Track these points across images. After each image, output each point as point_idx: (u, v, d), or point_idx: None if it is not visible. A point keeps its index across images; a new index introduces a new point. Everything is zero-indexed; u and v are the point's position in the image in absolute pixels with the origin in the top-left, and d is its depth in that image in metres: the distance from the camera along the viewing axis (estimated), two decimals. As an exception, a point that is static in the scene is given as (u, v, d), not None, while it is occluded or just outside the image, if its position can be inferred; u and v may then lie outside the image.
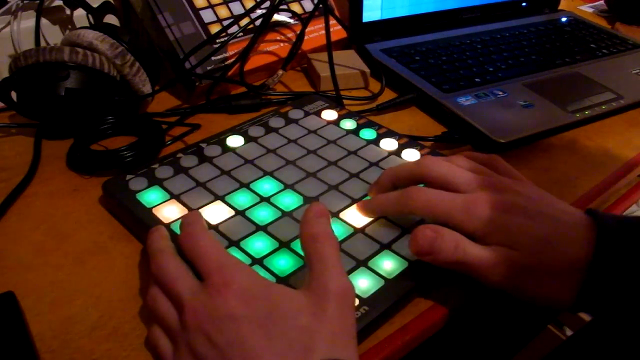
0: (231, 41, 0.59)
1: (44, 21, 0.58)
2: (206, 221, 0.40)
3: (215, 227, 0.40)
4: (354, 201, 0.43)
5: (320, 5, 0.64)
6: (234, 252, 0.38)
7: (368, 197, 0.43)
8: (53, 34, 0.59)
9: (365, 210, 0.41)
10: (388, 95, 0.62)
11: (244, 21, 0.60)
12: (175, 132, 0.53)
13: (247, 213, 0.41)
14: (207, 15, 0.60)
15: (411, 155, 0.48)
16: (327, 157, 0.47)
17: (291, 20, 0.65)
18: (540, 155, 0.54)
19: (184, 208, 0.41)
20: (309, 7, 0.66)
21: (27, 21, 0.57)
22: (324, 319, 0.29)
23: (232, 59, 0.59)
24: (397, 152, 0.49)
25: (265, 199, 0.43)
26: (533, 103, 0.59)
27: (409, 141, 0.50)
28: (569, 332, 0.83)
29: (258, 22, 0.60)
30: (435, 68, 0.65)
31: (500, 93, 0.61)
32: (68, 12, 0.60)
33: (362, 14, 0.69)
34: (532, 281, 0.34)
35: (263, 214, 0.41)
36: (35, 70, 0.48)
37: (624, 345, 0.37)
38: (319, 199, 0.43)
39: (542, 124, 0.56)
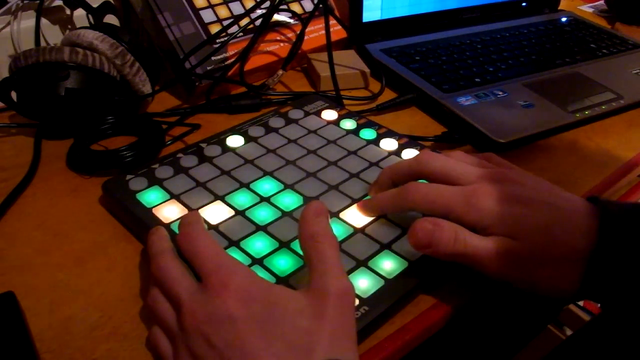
0: (231, 41, 0.59)
1: (44, 21, 0.58)
2: (206, 221, 0.40)
3: (215, 227, 0.40)
4: (354, 201, 0.43)
5: (320, 5, 0.64)
6: (234, 252, 0.38)
7: (368, 197, 0.43)
8: (53, 34, 0.59)
9: (365, 209, 0.41)
10: (388, 95, 0.62)
11: (244, 21, 0.60)
12: (175, 132, 0.53)
13: (247, 213, 0.41)
14: (207, 15, 0.60)
15: (411, 155, 0.48)
16: (327, 157, 0.47)
17: (291, 20, 0.65)
18: (540, 155, 0.54)
19: (184, 208, 0.41)
20: (309, 7, 0.66)
21: (27, 21, 0.57)
22: (323, 319, 0.29)
23: (232, 59, 0.59)
24: (397, 152, 0.49)
25: (265, 199, 0.43)
26: (533, 103, 0.59)
27: (409, 141, 0.50)
28: (569, 332, 0.82)
29: (258, 22, 0.61)
30: (435, 68, 0.65)
31: (500, 93, 0.61)
32: (68, 12, 0.60)
33: (362, 14, 0.69)
34: (534, 270, 0.34)
35: (263, 214, 0.41)
36: (35, 70, 0.48)
37: (624, 345, 0.37)
38: (319, 199, 0.43)
39: (542, 124, 0.56)
